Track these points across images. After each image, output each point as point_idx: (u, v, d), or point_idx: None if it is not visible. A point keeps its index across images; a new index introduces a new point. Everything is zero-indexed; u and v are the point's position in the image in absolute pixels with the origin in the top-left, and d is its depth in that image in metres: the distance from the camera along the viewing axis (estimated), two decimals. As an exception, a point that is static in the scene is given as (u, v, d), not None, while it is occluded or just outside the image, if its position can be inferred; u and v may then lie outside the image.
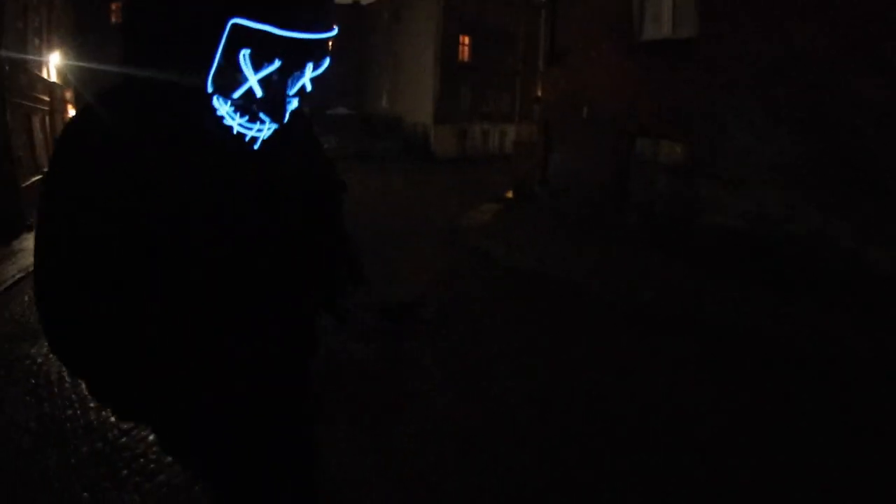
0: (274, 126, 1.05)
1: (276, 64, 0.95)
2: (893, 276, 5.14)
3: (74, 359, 1.04)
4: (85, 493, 2.81)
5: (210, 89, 0.97)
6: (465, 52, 31.29)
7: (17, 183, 10.48)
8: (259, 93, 0.98)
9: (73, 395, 3.96)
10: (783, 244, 6.08)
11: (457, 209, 11.75)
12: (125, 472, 3.01)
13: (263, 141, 1.07)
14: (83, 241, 0.95)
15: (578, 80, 9.62)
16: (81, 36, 19.36)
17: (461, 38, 30.89)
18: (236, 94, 0.98)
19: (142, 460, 3.12)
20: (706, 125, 7.06)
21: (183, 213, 0.98)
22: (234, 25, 0.89)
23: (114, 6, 31.40)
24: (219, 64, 0.94)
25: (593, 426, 3.61)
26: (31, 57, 12.83)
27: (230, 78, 0.96)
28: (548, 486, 2.97)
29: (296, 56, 0.97)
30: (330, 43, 1.01)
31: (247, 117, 1.01)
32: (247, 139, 1.04)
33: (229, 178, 1.04)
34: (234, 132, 1.02)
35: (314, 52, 0.99)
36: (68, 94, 17.27)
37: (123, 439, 3.35)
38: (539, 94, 13.80)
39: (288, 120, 1.06)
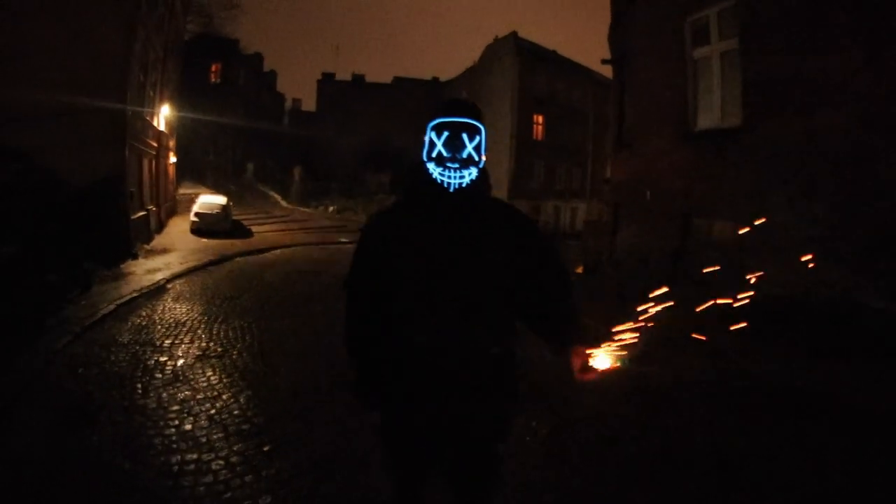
0: (459, 174, 1.74)
1: (446, 134, 1.74)
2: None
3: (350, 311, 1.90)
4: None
5: (425, 158, 1.80)
6: (538, 131, 32.74)
7: (128, 215, 11.80)
8: (445, 153, 1.75)
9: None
10: (819, 308, 6.46)
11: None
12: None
13: (456, 189, 1.76)
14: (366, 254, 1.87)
15: (642, 165, 10.26)
16: (185, 92, 21.60)
17: (535, 116, 32.38)
18: (433, 154, 1.76)
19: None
20: (751, 204, 7.63)
21: (403, 243, 1.77)
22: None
23: (213, 67, 35.13)
24: (427, 143, 1.79)
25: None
26: (145, 109, 14.60)
27: (430, 149, 1.78)
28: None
29: (455, 129, 1.74)
30: (479, 129, 1.76)
31: (441, 168, 1.75)
32: (445, 185, 1.76)
33: (434, 218, 1.78)
34: (438, 180, 1.76)
35: (464, 128, 1.74)
36: (171, 143, 19.20)
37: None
38: (608, 175, 14.58)
39: (469, 182, 1.77)
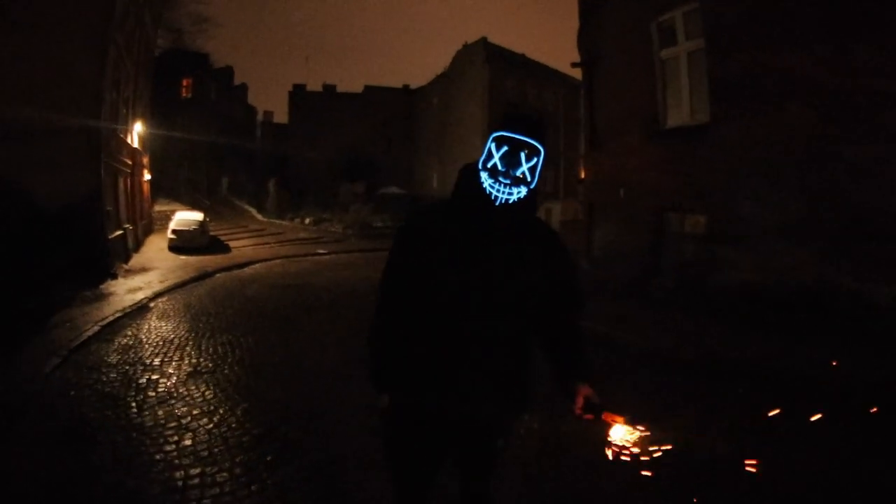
0: (509, 190, 1.76)
1: (505, 149, 1.77)
2: (892, 308, 5.90)
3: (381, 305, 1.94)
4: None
5: (480, 166, 1.82)
6: (510, 134, 32.98)
7: (106, 234, 11.60)
8: (500, 167, 1.77)
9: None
10: (792, 291, 6.75)
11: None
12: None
13: (501, 204, 1.79)
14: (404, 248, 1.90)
15: (615, 164, 10.52)
16: (157, 107, 21.33)
17: (506, 120, 32.70)
18: (489, 165, 1.78)
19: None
20: (720, 197, 7.90)
21: (436, 248, 1.81)
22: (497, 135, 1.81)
23: (184, 82, 34.81)
24: (486, 152, 1.81)
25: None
26: (119, 126, 14.37)
27: (487, 158, 1.79)
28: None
29: (514, 146, 1.76)
30: (538, 150, 1.78)
31: (492, 181, 1.77)
32: (493, 197, 1.78)
33: (474, 226, 1.81)
34: (486, 191, 1.79)
35: (524, 147, 1.76)
36: (145, 160, 18.92)
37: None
38: (582, 175, 14.83)
39: (516, 200, 1.79)
